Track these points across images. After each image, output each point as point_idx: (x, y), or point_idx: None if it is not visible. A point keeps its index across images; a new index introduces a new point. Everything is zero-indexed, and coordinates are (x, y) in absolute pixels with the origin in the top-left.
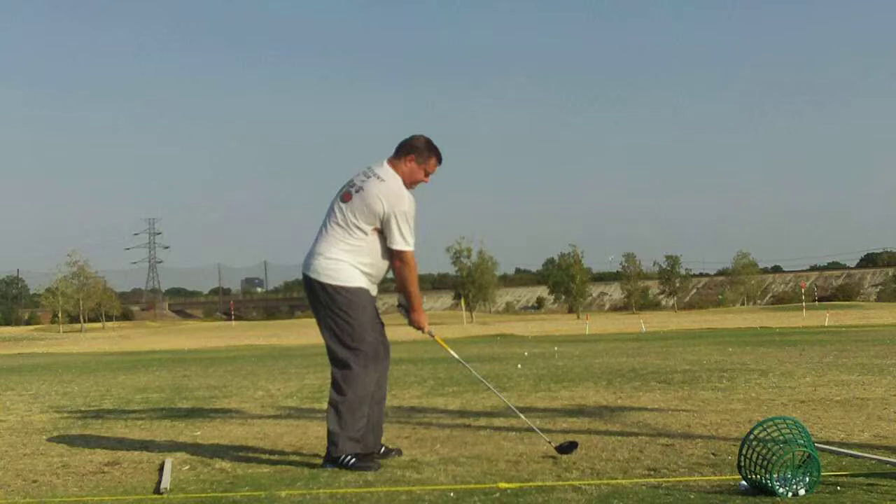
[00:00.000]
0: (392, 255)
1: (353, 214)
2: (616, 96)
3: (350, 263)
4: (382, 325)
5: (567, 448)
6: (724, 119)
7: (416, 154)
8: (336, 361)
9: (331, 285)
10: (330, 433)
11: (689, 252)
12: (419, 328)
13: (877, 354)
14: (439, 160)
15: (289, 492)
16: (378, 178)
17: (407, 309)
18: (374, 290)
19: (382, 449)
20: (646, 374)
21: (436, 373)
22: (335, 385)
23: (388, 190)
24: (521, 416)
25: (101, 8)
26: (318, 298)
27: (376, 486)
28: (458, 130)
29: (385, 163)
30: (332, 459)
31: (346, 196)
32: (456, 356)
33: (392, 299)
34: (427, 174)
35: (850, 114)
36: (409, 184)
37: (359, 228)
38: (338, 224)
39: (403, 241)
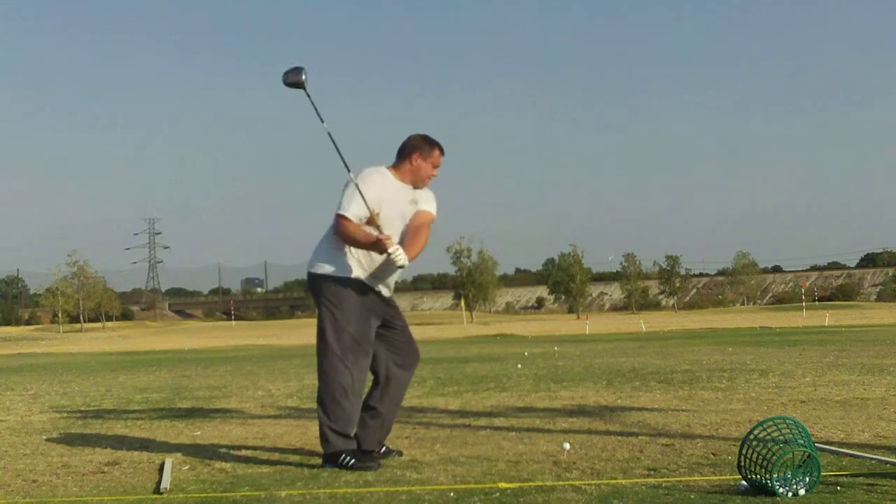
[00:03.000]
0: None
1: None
2: (616, 96)
3: (340, 253)
4: (403, 324)
5: None
6: (724, 119)
7: (419, 150)
8: (317, 352)
9: (319, 275)
10: (319, 426)
11: (689, 252)
12: (387, 249)
13: (877, 354)
14: (442, 151)
15: (289, 492)
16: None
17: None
18: (373, 283)
19: (383, 449)
20: (646, 374)
21: (436, 373)
22: (319, 377)
23: (359, 171)
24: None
25: (100, 7)
26: (311, 290)
27: (376, 486)
28: (458, 130)
29: (383, 168)
30: (331, 458)
31: None
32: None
33: (404, 301)
34: (434, 167)
35: (851, 114)
36: (422, 179)
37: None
38: (331, 224)
39: (340, 206)
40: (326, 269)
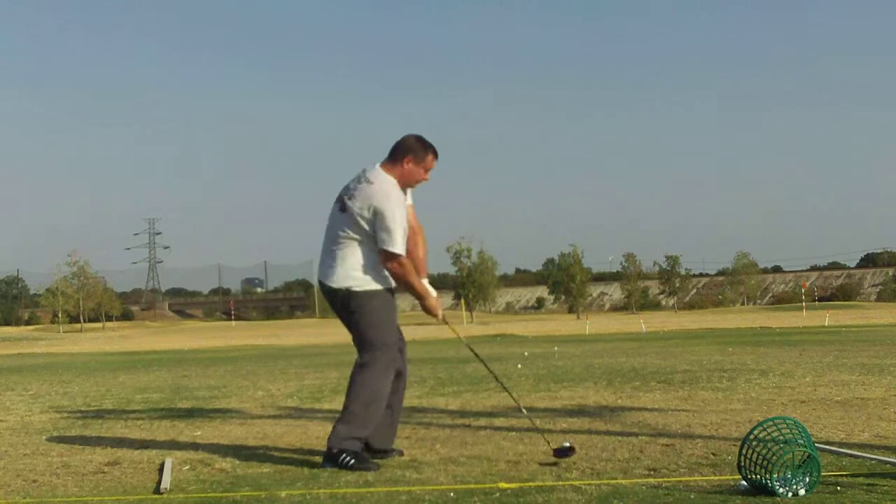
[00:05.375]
0: (384, 257)
1: (351, 224)
2: (616, 95)
3: (369, 266)
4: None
5: (565, 452)
6: (723, 119)
7: (413, 154)
8: (362, 364)
9: (354, 291)
10: (334, 428)
11: (689, 252)
12: (433, 314)
13: (877, 354)
14: (436, 155)
15: (289, 492)
16: (368, 182)
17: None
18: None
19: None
20: (646, 374)
21: (436, 373)
22: (355, 385)
23: (375, 192)
24: (524, 411)
25: (100, 7)
26: (339, 305)
27: (376, 486)
28: (458, 130)
29: (378, 166)
30: (332, 458)
31: (343, 206)
32: (467, 344)
33: (404, 301)
34: (427, 171)
35: (851, 114)
36: (411, 183)
37: (357, 234)
38: (345, 236)
39: (392, 242)
40: (362, 284)
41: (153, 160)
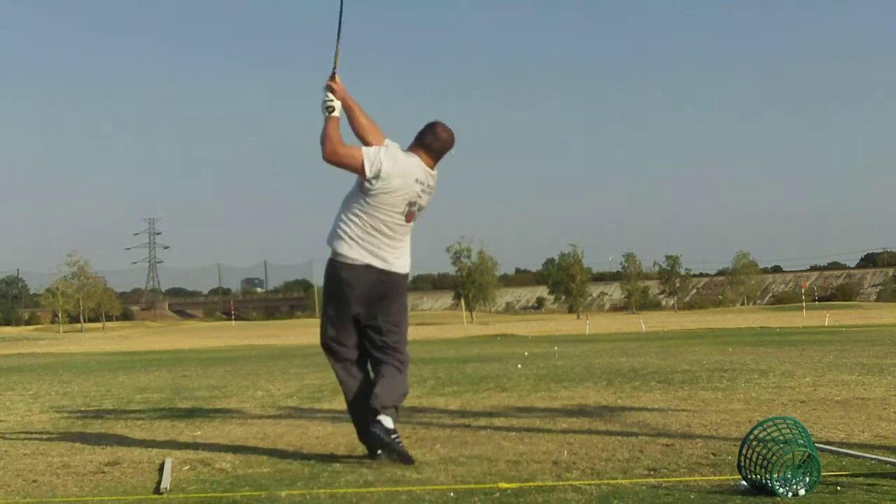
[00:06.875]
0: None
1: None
2: (616, 95)
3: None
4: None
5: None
6: (724, 119)
7: (447, 154)
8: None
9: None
10: (393, 403)
11: (689, 252)
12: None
13: (877, 354)
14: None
15: (289, 492)
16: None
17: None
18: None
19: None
20: (646, 374)
21: (436, 373)
22: (404, 364)
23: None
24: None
25: (100, 7)
26: (399, 289)
27: (376, 486)
28: (458, 130)
29: (432, 172)
30: (388, 433)
31: (409, 217)
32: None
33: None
34: None
35: (852, 113)
36: None
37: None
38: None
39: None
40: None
41: (153, 160)
